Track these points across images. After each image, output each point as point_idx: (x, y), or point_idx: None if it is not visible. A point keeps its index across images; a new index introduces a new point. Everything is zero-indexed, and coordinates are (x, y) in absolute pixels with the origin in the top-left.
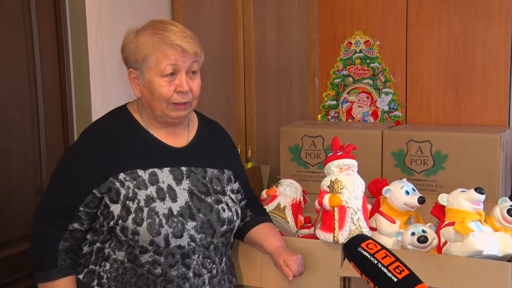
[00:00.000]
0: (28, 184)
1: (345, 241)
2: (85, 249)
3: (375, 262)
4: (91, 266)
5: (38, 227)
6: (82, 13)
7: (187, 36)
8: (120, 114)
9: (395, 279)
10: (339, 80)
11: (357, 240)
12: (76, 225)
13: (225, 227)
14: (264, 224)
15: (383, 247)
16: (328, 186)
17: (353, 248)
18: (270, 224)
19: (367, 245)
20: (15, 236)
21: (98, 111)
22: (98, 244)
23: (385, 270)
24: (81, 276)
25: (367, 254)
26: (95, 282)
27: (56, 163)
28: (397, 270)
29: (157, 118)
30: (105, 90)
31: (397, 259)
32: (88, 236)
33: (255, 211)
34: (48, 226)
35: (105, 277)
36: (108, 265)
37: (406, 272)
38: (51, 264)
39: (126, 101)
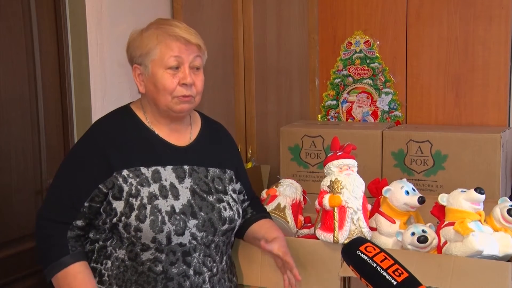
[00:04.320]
0: (28, 184)
1: (345, 241)
2: (87, 247)
3: (374, 265)
4: (92, 264)
5: (43, 223)
6: (82, 13)
7: (192, 32)
8: (123, 113)
9: (395, 282)
10: (339, 80)
11: (356, 243)
12: (79, 222)
13: (226, 226)
14: (265, 220)
15: (382, 250)
16: (328, 186)
17: (351, 252)
18: (271, 221)
19: (365, 248)
20: (15, 236)
21: (98, 111)
22: (100, 243)
23: (384, 273)
24: None
25: (365, 257)
26: (97, 279)
27: (56, 163)
28: (396, 273)
29: (162, 113)
30: (105, 90)
31: (396, 262)
32: (91, 235)
33: (255, 209)
34: (53, 223)
35: (106, 274)
36: (109, 263)
37: (405, 274)
38: (62, 251)
39: (126, 101)
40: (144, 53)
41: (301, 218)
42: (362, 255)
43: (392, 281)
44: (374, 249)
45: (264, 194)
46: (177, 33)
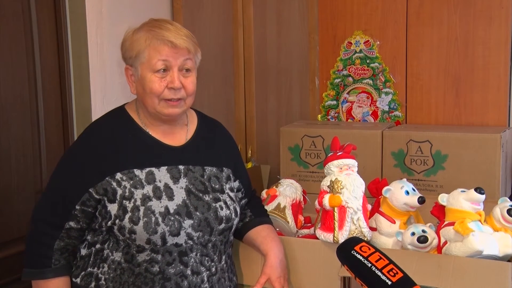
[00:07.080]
0: (28, 184)
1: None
2: (84, 251)
3: (369, 265)
4: (89, 269)
5: (35, 224)
6: (82, 13)
7: (182, 34)
8: (118, 115)
9: (389, 282)
10: (339, 80)
11: (350, 243)
12: (72, 223)
13: (223, 225)
14: (263, 226)
15: (377, 250)
16: (328, 186)
17: (346, 251)
18: (269, 226)
19: (360, 248)
20: (15, 236)
21: (98, 111)
22: (98, 246)
23: (379, 273)
24: (78, 280)
25: (360, 257)
26: (93, 284)
27: (56, 163)
28: (391, 273)
29: (152, 115)
30: (105, 90)
31: (391, 262)
32: (88, 238)
33: (255, 212)
34: (44, 224)
35: (103, 278)
36: (106, 266)
37: (400, 274)
38: (45, 263)
39: (126, 101)
40: (133, 56)
41: (301, 218)
42: (357, 254)
43: (387, 281)
44: (369, 249)
45: (264, 194)
46: (166, 37)
